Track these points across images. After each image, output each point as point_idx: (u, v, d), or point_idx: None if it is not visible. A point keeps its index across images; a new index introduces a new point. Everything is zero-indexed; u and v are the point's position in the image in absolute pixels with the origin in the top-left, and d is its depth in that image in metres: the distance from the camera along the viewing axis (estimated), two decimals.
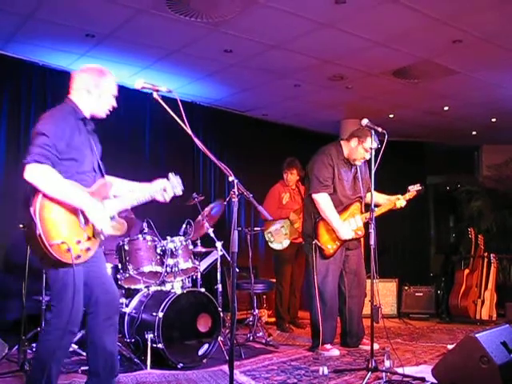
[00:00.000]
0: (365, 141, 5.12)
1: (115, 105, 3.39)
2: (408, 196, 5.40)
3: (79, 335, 4.52)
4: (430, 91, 7.27)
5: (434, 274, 9.52)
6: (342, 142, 5.36)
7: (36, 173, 2.91)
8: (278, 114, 8.46)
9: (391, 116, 8.41)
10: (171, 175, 3.49)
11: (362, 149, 5.17)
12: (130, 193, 3.40)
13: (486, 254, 7.78)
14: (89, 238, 3.08)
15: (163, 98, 3.20)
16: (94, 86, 3.25)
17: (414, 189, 5.43)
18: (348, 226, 5.18)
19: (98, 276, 3.28)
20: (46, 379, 3.00)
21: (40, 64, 6.26)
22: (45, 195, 2.93)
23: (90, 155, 3.29)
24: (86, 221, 3.06)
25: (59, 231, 2.95)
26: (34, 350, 4.79)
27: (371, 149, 4.31)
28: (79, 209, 3.03)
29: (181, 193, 3.51)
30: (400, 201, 5.34)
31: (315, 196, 5.19)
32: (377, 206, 5.24)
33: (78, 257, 3.00)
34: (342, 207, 5.22)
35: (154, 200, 3.46)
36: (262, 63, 6.31)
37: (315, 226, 5.18)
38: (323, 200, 5.15)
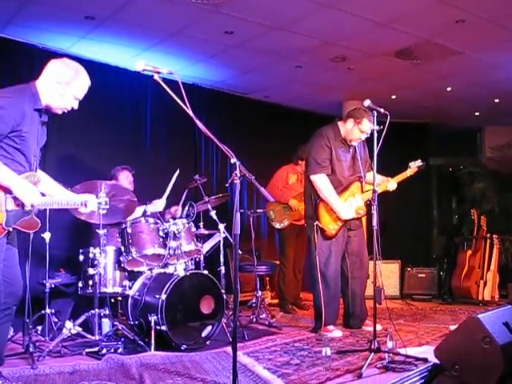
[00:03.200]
0: (361, 122, 5.11)
1: (76, 107, 3.37)
2: (401, 177, 5.36)
3: (82, 318, 4.55)
4: (433, 72, 7.22)
5: (436, 255, 9.54)
6: (338, 123, 5.34)
7: None
8: (279, 95, 8.41)
9: (393, 97, 8.37)
10: (101, 194, 3.91)
11: (357, 130, 5.16)
12: (58, 195, 3.48)
13: (488, 236, 7.79)
14: None
15: (164, 80, 3.18)
16: (64, 81, 3.23)
17: (415, 165, 5.40)
18: (348, 205, 5.18)
19: (9, 266, 3.26)
20: None
21: (40, 47, 6.21)
22: None
23: (33, 147, 3.24)
24: (15, 201, 3.08)
25: None
26: (38, 332, 4.86)
27: (373, 130, 4.28)
28: (4, 189, 3.04)
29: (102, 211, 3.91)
30: (390, 183, 5.31)
31: (313, 177, 5.19)
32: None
33: None
34: (341, 187, 5.22)
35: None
36: (264, 45, 6.27)
37: (315, 207, 5.18)
38: (321, 181, 5.15)
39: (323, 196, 5.14)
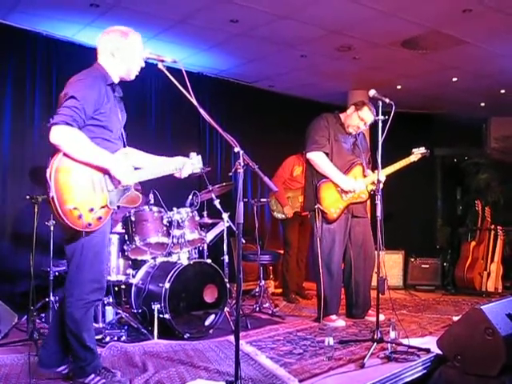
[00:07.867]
0: (361, 109, 5.13)
1: (143, 65, 3.35)
2: (395, 167, 5.24)
3: None
4: (439, 62, 7.18)
5: (440, 245, 9.54)
6: (340, 115, 5.37)
7: (64, 134, 2.89)
8: (284, 84, 8.39)
9: (399, 87, 8.33)
10: (193, 154, 3.57)
11: (356, 116, 5.17)
12: (151, 165, 3.43)
13: (492, 227, 7.77)
14: (102, 207, 3.05)
15: (168, 68, 3.18)
16: (117, 49, 3.22)
17: (418, 152, 5.30)
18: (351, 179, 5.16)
19: None
20: (83, 348, 3.11)
21: (44, 34, 6.20)
22: (65, 157, 2.93)
23: (117, 123, 3.26)
24: (113, 181, 3.09)
25: (72, 196, 2.93)
26: (42, 319, 4.88)
27: (377, 120, 4.25)
28: (103, 170, 3.04)
29: (199, 171, 3.61)
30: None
31: (310, 155, 5.18)
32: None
33: (89, 225, 2.98)
34: (343, 170, 5.19)
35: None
36: (269, 33, 6.24)
37: (316, 190, 5.16)
38: (319, 158, 5.15)
39: (322, 170, 5.13)
